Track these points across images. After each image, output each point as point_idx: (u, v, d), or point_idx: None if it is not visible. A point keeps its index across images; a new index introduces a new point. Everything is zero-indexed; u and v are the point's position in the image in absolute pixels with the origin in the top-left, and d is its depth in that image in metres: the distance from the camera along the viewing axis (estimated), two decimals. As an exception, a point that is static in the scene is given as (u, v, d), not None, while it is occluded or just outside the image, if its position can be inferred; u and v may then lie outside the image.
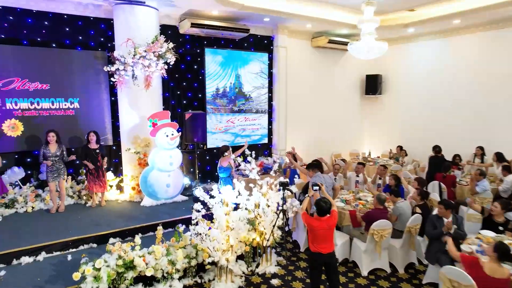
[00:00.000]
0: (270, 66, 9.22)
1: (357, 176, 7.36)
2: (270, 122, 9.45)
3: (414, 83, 10.20)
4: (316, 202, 3.97)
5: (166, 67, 6.74)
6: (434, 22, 8.14)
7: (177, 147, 6.79)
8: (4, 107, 6.34)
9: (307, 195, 4.86)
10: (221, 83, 8.43)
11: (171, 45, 6.66)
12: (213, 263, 4.57)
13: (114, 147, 7.44)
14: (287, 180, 5.09)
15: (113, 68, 6.36)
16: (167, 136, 6.47)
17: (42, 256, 4.81)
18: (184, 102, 8.14)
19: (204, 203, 4.60)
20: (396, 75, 10.65)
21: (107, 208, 6.53)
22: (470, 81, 8.89)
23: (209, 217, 4.73)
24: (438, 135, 9.37)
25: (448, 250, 4.04)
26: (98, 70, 7.00)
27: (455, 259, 3.92)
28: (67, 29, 6.78)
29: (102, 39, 7.09)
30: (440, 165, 7.45)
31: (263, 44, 9.07)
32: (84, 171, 6.59)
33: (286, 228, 4.99)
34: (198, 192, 4.56)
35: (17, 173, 6.34)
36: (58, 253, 4.97)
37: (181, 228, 4.80)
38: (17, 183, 6.44)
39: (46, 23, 6.59)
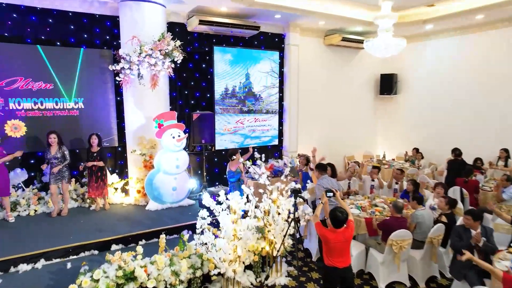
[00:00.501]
0: (281, 65, 8.90)
1: (372, 180, 6.98)
2: (280, 123, 9.12)
3: (431, 83, 9.74)
4: (331, 212, 3.64)
5: (173, 65, 6.50)
6: (455, 18, 7.69)
7: (184, 149, 6.54)
8: (7, 107, 6.18)
9: (319, 200, 4.54)
10: (230, 82, 8.14)
11: (178, 43, 6.41)
12: (220, 274, 4.28)
13: (119, 149, 7.23)
14: (299, 186, 4.77)
15: (118, 67, 6.15)
16: (173, 137, 6.22)
17: (41, 263, 4.59)
18: (192, 102, 7.89)
19: (210, 211, 4.31)
20: (412, 74, 10.19)
21: (111, 211, 6.32)
22: (495, 80, 8.35)
23: (216, 223, 4.43)
24: (456, 137, 8.88)
25: (482, 266, 3.60)
26: (103, 69, 6.80)
27: (497, 278, 3.43)
28: (72, 27, 6.61)
29: (107, 37, 6.92)
30: (460, 169, 7.04)
31: (274, 42, 8.76)
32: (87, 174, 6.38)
33: (297, 235, 4.67)
34: (205, 199, 4.26)
35: (20, 175, 6.18)
36: (57, 260, 4.74)
37: (186, 236, 4.50)
38: (19, 185, 6.27)
39: (50, 20, 6.42)
